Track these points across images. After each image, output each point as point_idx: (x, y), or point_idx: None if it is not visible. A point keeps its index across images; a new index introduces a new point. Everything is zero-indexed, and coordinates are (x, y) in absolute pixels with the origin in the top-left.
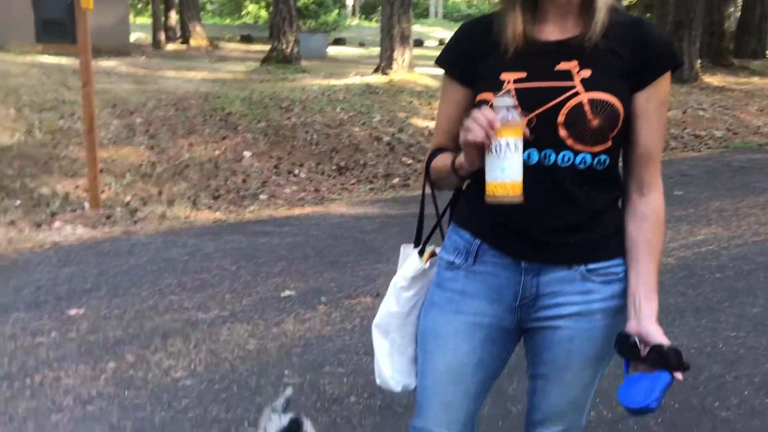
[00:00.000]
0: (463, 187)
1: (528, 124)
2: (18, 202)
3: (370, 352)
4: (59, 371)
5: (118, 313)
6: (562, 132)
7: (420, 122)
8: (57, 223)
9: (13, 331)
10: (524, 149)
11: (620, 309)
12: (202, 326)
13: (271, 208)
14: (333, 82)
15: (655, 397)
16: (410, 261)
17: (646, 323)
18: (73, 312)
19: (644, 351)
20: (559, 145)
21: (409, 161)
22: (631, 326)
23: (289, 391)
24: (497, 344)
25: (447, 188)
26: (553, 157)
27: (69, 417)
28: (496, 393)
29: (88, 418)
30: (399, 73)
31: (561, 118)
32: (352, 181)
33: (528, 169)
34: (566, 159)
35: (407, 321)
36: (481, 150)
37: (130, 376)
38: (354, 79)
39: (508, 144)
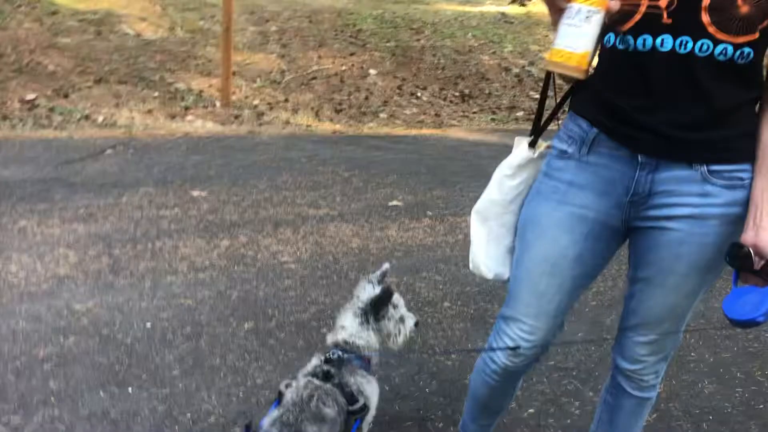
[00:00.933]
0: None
1: (668, 6)
2: (156, 93)
3: (468, 264)
4: (178, 241)
5: (236, 200)
6: (705, 17)
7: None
8: (189, 117)
9: (141, 203)
10: (658, 34)
11: (739, 218)
12: (312, 221)
13: (389, 127)
14: (467, 8)
15: (763, 311)
16: (519, 149)
17: (765, 235)
18: (196, 193)
19: (758, 264)
20: (699, 32)
21: (537, 95)
22: (748, 237)
23: (386, 266)
24: (600, 241)
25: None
26: (690, 44)
27: (182, 280)
28: (593, 322)
29: (199, 283)
30: (538, 5)
31: (706, 2)
32: (474, 110)
33: (661, 56)
34: (705, 48)
35: (507, 210)
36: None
37: (241, 254)
38: (489, 7)
39: (580, 10)
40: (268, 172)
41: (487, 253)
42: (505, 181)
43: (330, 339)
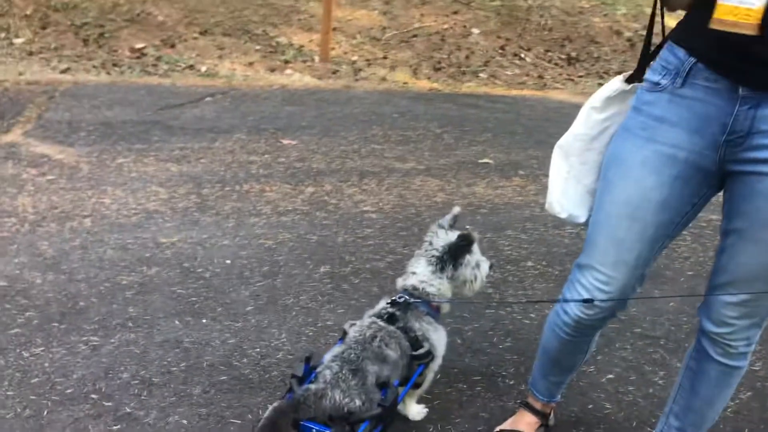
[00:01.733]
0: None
1: None
2: (258, 47)
3: (559, 226)
4: (264, 185)
5: (325, 150)
6: None
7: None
8: (288, 71)
9: (233, 148)
10: None
11: None
12: (397, 174)
13: (488, 87)
14: None
15: None
16: (611, 82)
17: None
18: (286, 141)
19: None
20: None
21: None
22: None
23: (456, 210)
24: (689, 185)
25: (677, 5)
26: None
27: (265, 221)
28: (688, 293)
29: (281, 225)
30: None
31: None
32: (580, 73)
33: None
34: None
35: (591, 146)
36: None
37: (324, 201)
38: None
39: None
40: (359, 125)
41: (564, 190)
42: (591, 114)
43: (399, 283)
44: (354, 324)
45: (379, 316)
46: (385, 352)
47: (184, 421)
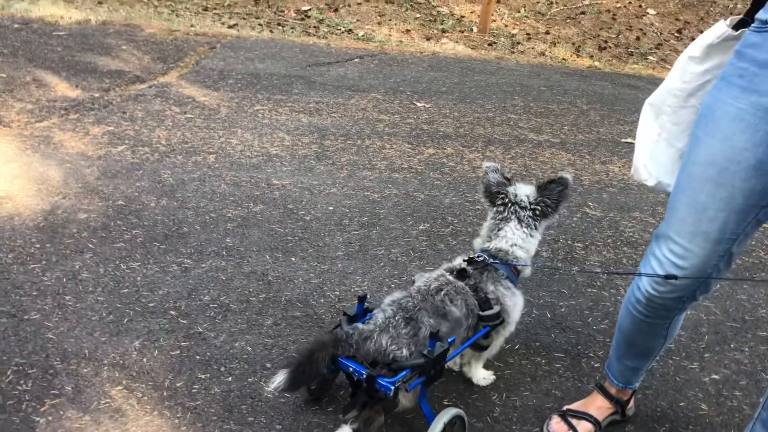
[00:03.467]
0: None
1: None
2: (418, 15)
3: None
4: (385, 143)
5: (457, 115)
6: None
7: None
8: (444, 40)
9: (366, 105)
10: None
11: None
12: (527, 144)
13: (655, 70)
14: None
15: None
16: (715, 27)
17: None
18: (420, 104)
19: None
20: None
21: None
22: None
23: (489, 164)
24: None
25: None
26: None
27: (376, 175)
28: None
29: (391, 181)
30: None
31: None
32: None
33: None
34: None
35: (686, 104)
36: None
37: (442, 162)
38: None
39: None
40: (500, 94)
41: (652, 154)
42: (689, 66)
43: (477, 244)
44: (424, 275)
45: (450, 270)
46: (447, 308)
47: (249, 348)
